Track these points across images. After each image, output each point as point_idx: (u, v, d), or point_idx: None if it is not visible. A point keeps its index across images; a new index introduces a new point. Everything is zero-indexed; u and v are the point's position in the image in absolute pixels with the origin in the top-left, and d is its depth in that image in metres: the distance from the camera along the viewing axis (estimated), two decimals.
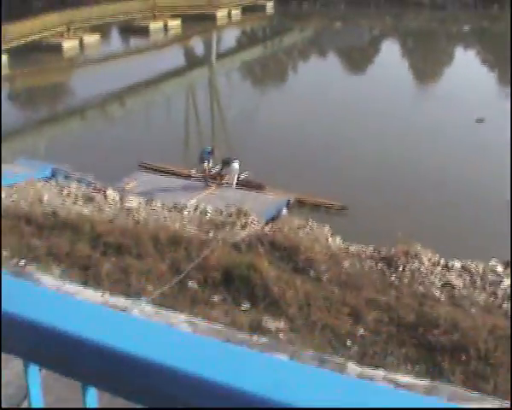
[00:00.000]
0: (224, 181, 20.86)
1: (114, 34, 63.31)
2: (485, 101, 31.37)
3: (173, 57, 51.76)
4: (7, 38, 46.15)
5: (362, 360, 8.21)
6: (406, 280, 10.48)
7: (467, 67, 44.45)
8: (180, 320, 8.03)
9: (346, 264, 11.01)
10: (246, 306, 9.55)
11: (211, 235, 12.10)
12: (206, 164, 20.75)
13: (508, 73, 37.57)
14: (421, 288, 10.24)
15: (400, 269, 10.87)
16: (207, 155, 20.86)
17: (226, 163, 20.82)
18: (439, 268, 11.12)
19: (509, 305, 9.69)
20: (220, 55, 54.53)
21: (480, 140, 24.66)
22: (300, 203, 19.29)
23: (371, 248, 12.03)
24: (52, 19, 51.21)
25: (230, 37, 62.47)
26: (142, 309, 8.12)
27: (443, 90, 35.94)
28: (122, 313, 1.45)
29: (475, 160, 22.59)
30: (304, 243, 11.33)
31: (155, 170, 22.23)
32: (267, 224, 14.55)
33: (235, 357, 1.14)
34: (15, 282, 1.34)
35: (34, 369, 1.32)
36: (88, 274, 10.51)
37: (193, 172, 21.78)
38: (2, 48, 44.67)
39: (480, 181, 20.41)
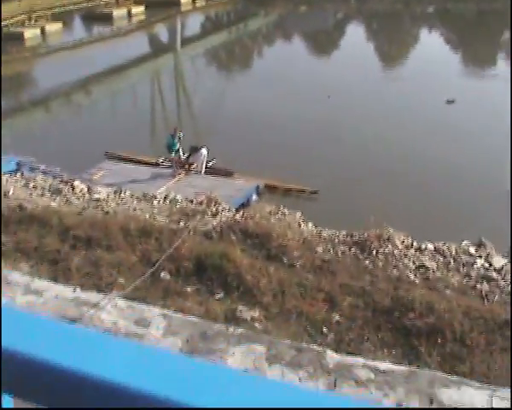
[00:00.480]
0: (192, 168, 20.68)
1: (77, 22, 62.46)
2: (451, 81, 31.55)
3: (138, 44, 51.19)
4: None
5: (338, 346, 8.15)
6: (380, 264, 10.43)
7: (431, 48, 44.67)
8: (154, 314, 7.90)
9: (320, 250, 10.92)
10: (219, 295, 9.43)
11: (181, 224, 11.94)
12: (174, 152, 20.50)
13: (473, 53, 37.93)
14: (395, 271, 10.19)
15: (374, 253, 10.82)
16: (173, 141, 20.48)
17: (194, 150, 20.63)
18: (412, 251, 11.08)
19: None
20: (185, 41, 54.09)
21: (451, 120, 24.72)
22: (270, 189, 19.23)
23: (344, 232, 11.97)
24: (12, 7, 50.29)
25: (195, 22, 62.13)
26: (114, 304, 7.97)
27: (409, 71, 36.09)
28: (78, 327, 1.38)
29: (446, 141, 22.65)
30: (276, 229, 11.23)
31: (121, 159, 21.98)
32: (237, 211, 14.42)
33: (134, 355, 1.12)
34: None
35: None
36: (57, 269, 10.29)
37: (160, 160, 21.55)
38: None
39: (450, 162, 20.46)
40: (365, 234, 11.45)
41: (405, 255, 10.86)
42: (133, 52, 45.86)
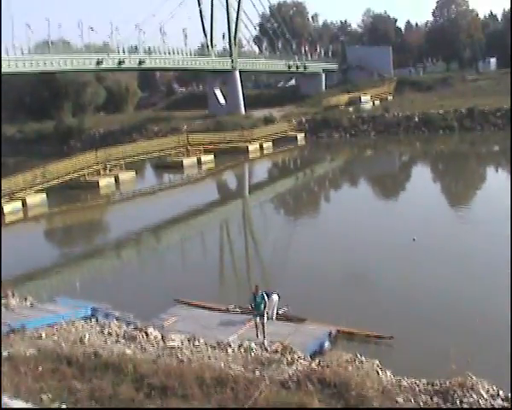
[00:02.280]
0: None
1: (149, 170, 64.94)
2: None
3: (207, 191, 52.61)
4: (47, 178, 47.94)
5: None
6: None
7: (500, 187, 44.33)
8: None
9: (400, 399, 10.53)
10: None
11: (257, 373, 11.73)
12: (259, 314, 19.63)
13: None
14: None
15: (458, 403, 10.36)
16: (256, 300, 19.74)
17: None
18: (499, 401, 10.58)
19: None
20: (253, 188, 55.27)
21: None
22: (343, 335, 18.82)
23: (424, 381, 11.55)
24: (89, 158, 53.20)
25: (263, 169, 63.59)
26: None
27: (480, 212, 35.65)
28: None
29: None
30: (354, 378, 10.90)
31: (191, 305, 21.97)
32: (312, 358, 14.17)
33: None
34: None
35: None
36: None
37: (231, 307, 21.38)
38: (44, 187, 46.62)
39: None
40: (447, 382, 11.01)
41: (492, 405, 10.35)
42: (202, 199, 47.03)
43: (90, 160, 53.32)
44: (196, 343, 15.18)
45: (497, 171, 54.79)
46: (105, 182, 53.18)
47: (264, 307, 18.45)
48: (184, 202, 45.62)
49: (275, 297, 20.22)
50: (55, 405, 10.96)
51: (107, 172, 54.85)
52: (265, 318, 18.36)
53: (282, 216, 42.32)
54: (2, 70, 59.88)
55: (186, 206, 43.94)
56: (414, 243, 27.81)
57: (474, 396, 10.57)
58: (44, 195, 47.29)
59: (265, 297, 18.54)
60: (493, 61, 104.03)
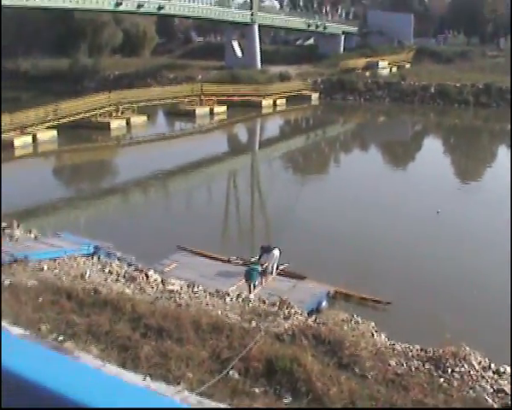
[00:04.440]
0: (263, 268, 20.49)
1: (161, 117, 64.71)
2: None
3: (217, 142, 52.51)
4: (58, 116, 47.73)
5: None
6: (456, 383, 10.06)
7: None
8: None
9: (393, 362, 10.64)
10: (287, 400, 9.21)
11: (253, 324, 11.87)
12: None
13: None
14: (471, 393, 9.81)
15: (449, 371, 10.47)
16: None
17: (266, 250, 20.54)
18: (489, 373, 10.69)
19: None
20: (263, 143, 55.16)
21: None
22: (341, 296, 18.93)
23: (417, 347, 11.67)
24: (102, 99, 52.82)
25: (274, 125, 63.35)
26: (184, 398, 7.89)
27: (490, 189, 35.48)
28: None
29: None
30: (349, 338, 11.01)
31: (193, 254, 22.05)
32: (309, 315, 14.29)
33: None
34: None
35: None
36: (127, 355, 10.28)
37: (232, 258, 21.49)
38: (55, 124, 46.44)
39: None
40: (440, 351, 11.12)
41: (482, 377, 10.46)
42: (212, 150, 47.00)
43: (102, 101, 53.03)
44: (195, 290, 15.33)
45: (508, 149, 54.41)
46: (116, 124, 53.02)
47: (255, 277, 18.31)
48: (194, 151, 45.59)
49: (276, 252, 20.31)
50: (53, 336, 11.07)
51: (119, 114, 54.65)
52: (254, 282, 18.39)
53: (290, 174, 42.25)
54: (17, 2, 59.81)
55: (196, 155, 43.91)
56: (421, 213, 27.81)
57: (466, 367, 10.68)
58: (55, 132, 47.13)
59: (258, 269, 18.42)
60: None
